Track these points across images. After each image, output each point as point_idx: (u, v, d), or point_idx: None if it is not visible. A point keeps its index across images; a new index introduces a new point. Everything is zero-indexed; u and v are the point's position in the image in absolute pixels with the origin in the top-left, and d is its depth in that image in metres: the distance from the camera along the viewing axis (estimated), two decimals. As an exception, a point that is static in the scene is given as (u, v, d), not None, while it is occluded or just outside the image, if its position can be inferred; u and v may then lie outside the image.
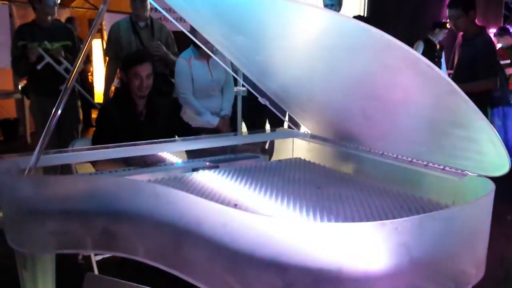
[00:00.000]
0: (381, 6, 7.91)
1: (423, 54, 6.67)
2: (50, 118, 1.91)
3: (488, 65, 3.71)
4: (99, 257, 2.71)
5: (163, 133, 2.96)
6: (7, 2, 7.21)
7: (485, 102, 3.79)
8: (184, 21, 2.33)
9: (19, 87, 6.72)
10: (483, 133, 1.56)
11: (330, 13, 1.50)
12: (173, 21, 2.37)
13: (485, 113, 3.79)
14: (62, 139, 3.98)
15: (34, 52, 3.97)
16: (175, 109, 3.53)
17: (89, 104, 8.06)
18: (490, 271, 1.71)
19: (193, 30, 2.69)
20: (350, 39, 1.53)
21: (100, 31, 8.65)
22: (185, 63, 3.61)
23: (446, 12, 3.87)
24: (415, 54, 1.38)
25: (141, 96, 2.92)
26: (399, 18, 7.79)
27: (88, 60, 7.96)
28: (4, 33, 7.16)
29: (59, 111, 1.91)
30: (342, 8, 4.77)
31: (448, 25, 7.06)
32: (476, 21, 3.89)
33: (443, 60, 7.09)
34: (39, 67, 3.99)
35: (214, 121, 3.65)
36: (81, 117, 4.53)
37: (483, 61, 3.69)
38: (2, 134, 7.38)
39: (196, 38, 2.69)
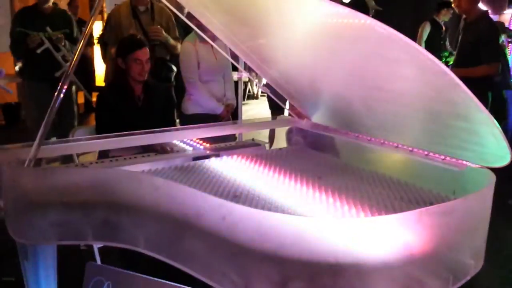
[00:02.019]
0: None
1: (430, 36, 6.58)
2: (50, 108, 1.90)
3: (490, 50, 3.69)
4: (101, 244, 2.74)
5: (161, 118, 2.96)
6: (6, -15, 7.16)
7: (487, 87, 3.77)
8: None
9: (17, 68, 6.78)
10: (484, 126, 1.55)
11: (331, 4, 1.48)
12: (169, 5, 2.34)
13: (487, 98, 3.78)
14: (58, 129, 3.99)
15: (35, 41, 4.06)
16: (173, 95, 3.51)
17: (89, 89, 8.04)
18: (490, 253, 1.72)
19: (190, 15, 2.66)
20: (351, 30, 1.51)
21: (101, 13, 8.58)
22: (191, 46, 3.57)
23: None
24: (417, 48, 1.37)
25: (140, 81, 2.93)
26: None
27: (90, 42, 7.87)
28: (4, 16, 7.11)
29: (59, 99, 1.90)
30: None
31: (453, 5, 6.94)
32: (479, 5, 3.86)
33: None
34: (38, 51, 4.05)
35: (219, 109, 3.63)
36: (75, 106, 4.58)
37: (486, 46, 3.66)
38: (4, 118, 7.38)
39: (193, 23, 2.66)
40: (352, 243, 1.35)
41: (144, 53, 2.89)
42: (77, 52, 1.96)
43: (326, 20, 1.60)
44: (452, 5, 3.94)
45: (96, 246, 2.61)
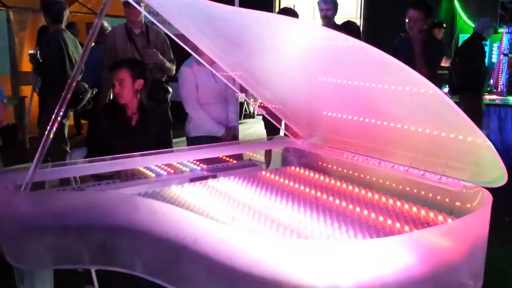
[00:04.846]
0: (378, 6, 7.89)
1: None
2: (47, 131, 1.91)
3: (433, 66, 3.91)
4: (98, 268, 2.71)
5: (156, 139, 2.95)
6: (4, 8, 7.21)
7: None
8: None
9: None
10: (479, 146, 1.56)
11: (323, 28, 1.51)
12: (162, 27, 2.34)
13: None
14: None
15: None
16: (169, 116, 3.51)
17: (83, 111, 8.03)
18: (489, 272, 1.72)
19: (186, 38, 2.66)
20: (344, 54, 1.53)
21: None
22: (189, 71, 3.57)
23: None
24: (409, 71, 1.38)
25: (124, 102, 2.91)
26: (396, 18, 7.75)
27: None
28: (2, 38, 7.16)
29: (57, 122, 1.91)
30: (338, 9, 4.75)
31: (445, 25, 7.06)
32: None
33: None
34: None
35: (220, 131, 3.63)
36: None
37: (432, 60, 3.89)
38: (1, 139, 7.37)
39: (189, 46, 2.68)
40: (352, 266, 1.35)
41: (116, 74, 2.85)
42: (74, 75, 1.98)
43: (319, 44, 1.62)
44: (444, 25, 4.12)
45: (94, 269, 2.59)
